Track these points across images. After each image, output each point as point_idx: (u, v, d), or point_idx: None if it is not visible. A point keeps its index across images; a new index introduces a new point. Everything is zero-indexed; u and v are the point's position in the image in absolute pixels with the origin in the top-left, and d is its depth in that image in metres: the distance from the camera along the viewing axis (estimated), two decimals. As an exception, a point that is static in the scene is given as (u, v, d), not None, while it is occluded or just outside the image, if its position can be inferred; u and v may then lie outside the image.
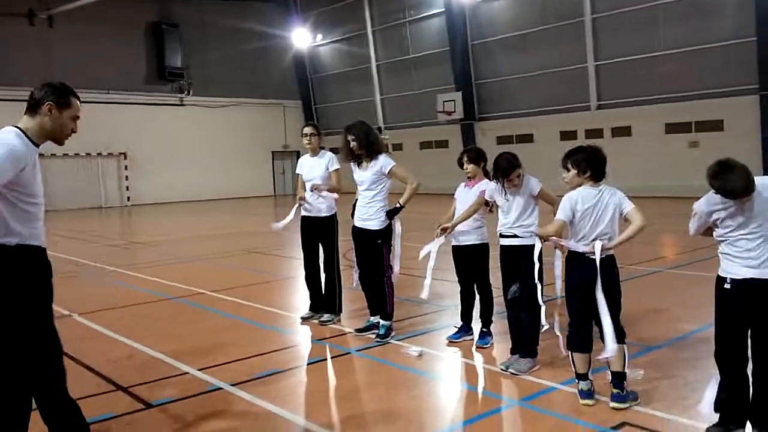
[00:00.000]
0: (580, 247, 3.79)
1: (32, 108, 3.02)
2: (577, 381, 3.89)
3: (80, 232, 16.53)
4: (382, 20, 27.22)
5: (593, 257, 3.72)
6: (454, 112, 24.25)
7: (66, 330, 6.24)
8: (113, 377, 4.60)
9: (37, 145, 2.97)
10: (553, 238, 3.82)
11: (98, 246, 13.45)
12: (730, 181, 3.11)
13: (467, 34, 24.22)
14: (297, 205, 6.10)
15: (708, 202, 3.27)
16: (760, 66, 17.64)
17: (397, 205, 5.37)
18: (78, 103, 3.11)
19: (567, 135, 21.23)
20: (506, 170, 4.48)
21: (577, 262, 3.82)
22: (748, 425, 3.30)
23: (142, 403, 4.11)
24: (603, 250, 3.73)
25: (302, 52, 30.09)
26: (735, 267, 3.24)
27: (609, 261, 3.80)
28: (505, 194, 4.57)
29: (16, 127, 2.97)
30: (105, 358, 5.09)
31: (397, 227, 5.43)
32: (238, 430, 3.70)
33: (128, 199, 26.36)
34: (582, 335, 3.86)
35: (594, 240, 3.76)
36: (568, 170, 3.92)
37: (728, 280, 3.26)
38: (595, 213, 3.78)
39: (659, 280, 7.83)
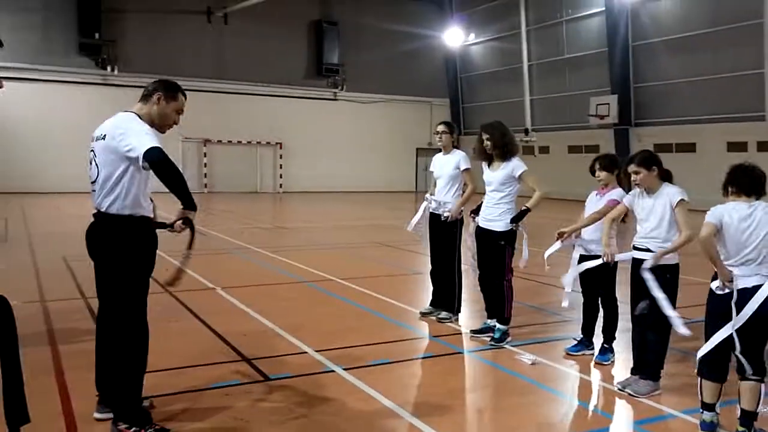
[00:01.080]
0: (743, 280, 3.38)
1: (145, 97, 3.51)
2: (701, 411, 3.58)
3: (235, 214, 18.00)
4: (538, 19, 26.46)
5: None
6: (608, 116, 23.00)
7: (208, 301, 6.83)
8: (241, 348, 5.00)
9: None
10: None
11: (249, 228, 14.57)
12: None
13: (628, 34, 22.84)
14: (425, 203, 6.20)
15: None
16: None
17: (524, 208, 5.26)
18: (183, 99, 3.56)
19: (735, 146, 19.26)
20: (629, 159, 4.23)
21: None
22: None
23: (262, 375, 4.43)
24: None
25: (453, 51, 30.17)
26: None
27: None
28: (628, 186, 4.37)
29: (132, 112, 3.44)
30: (236, 329, 5.54)
31: (524, 234, 5.36)
32: (343, 413, 3.86)
33: (280, 186, 28.21)
34: (717, 363, 3.54)
35: (739, 265, 3.40)
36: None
37: None
38: (744, 231, 3.40)
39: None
